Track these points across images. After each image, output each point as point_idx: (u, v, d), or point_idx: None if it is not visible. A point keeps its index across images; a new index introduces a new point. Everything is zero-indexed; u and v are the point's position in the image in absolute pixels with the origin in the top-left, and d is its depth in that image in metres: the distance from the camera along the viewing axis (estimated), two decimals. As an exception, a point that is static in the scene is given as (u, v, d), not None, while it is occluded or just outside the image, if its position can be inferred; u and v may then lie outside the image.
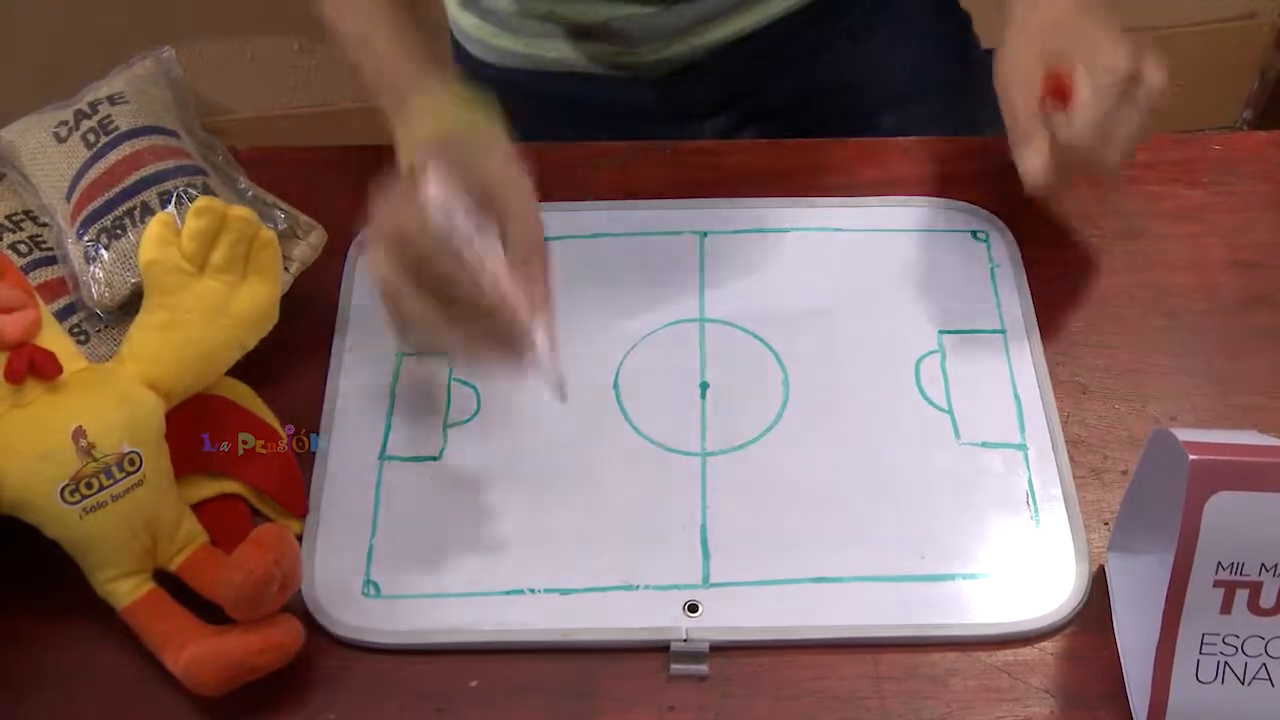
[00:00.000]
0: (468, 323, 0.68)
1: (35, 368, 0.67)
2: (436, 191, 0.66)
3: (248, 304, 0.72)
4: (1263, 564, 0.63)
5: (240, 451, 0.74)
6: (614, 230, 0.88)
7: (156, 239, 0.69)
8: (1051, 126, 0.75)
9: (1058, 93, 0.76)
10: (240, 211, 0.70)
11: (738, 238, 0.88)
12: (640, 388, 0.80)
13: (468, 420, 0.79)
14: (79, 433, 0.67)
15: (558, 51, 1.06)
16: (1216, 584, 0.64)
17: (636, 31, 1.03)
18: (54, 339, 0.69)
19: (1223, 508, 0.62)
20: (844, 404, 0.79)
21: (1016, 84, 0.79)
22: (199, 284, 0.71)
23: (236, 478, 0.75)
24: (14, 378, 0.66)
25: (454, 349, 0.73)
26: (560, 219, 0.89)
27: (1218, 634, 0.65)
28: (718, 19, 1.03)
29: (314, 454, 0.77)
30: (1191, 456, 0.61)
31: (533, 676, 0.70)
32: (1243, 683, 0.66)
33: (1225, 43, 2.03)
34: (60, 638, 0.72)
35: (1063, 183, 0.77)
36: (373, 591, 0.72)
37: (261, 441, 0.75)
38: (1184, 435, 0.63)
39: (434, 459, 0.78)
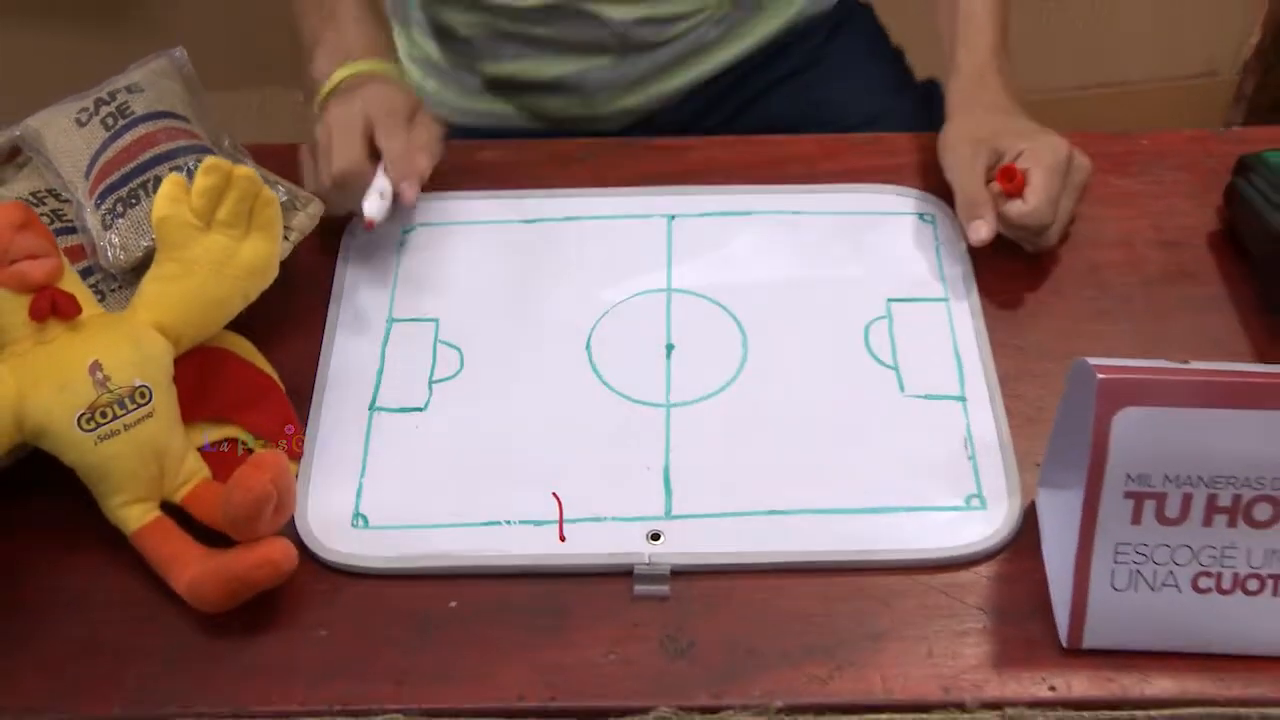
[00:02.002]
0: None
1: (57, 308, 0.74)
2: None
3: (251, 257, 0.79)
4: (1166, 475, 0.69)
5: (240, 452, 0.81)
6: (588, 214, 0.96)
7: (168, 197, 0.77)
8: (1003, 207, 0.88)
9: (1011, 183, 0.88)
10: (245, 170, 0.77)
11: (704, 220, 0.95)
12: (610, 350, 0.87)
13: (451, 378, 0.86)
14: (95, 366, 0.74)
15: (519, 108, 1.15)
16: (1127, 495, 0.70)
17: (592, 85, 1.12)
18: (73, 286, 0.76)
19: (1129, 422, 0.68)
20: (798, 362, 0.86)
21: (962, 169, 0.91)
22: (206, 238, 0.78)
23: (237, 423, 0.82)
24: (38, 315, 0.74)
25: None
26: (537, 204, 0.96)
27: (1129, 543, 0.71)
28: (669, 70, 1.13)
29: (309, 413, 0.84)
30: (1100, 375, 0.68)
31: (507, 598, 0.76)
32: (1153, 589, 0.72)
33: (1187, 99, 2.12)
34: (74, 566, 0.78)
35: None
36: (361, 524, 0.79)
37: (262, 440, 0.81)
38: (1096, 361, 0.70)
39: (419, 410, 0.84)
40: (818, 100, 1.15)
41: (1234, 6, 2.08)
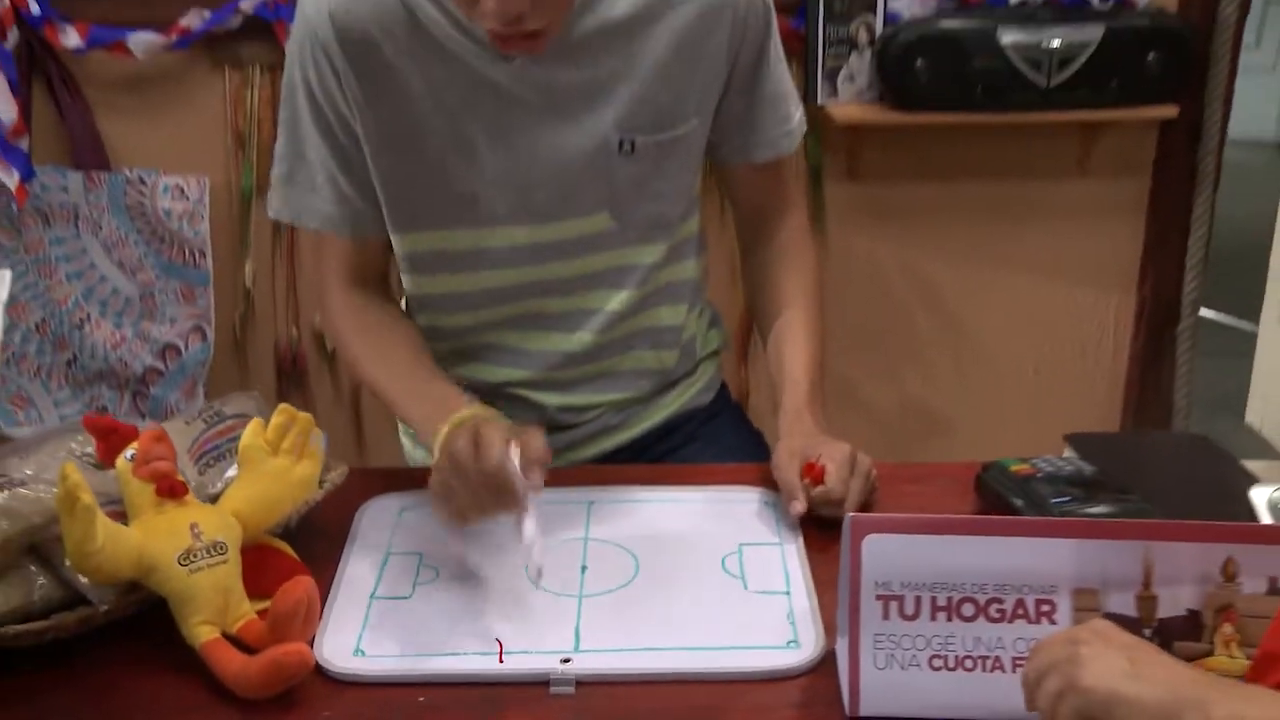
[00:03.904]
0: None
1: (173, 490, 1.12)
2: (514, 451, 1.17)
3: (300, 474, 1.18)
4: (902, 583, 1.05)
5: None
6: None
7: (252, 432, 1.17)
8: (810, 492, 1.29)
9: (812, 473, 1.30)
10: (305, 415, 1.18)
11: (613, 504, 1.35)
12: (543, 570, 1.23)
13: (430, 582, 1.22)
14: (194, 525, 1.11)
15: None
16: (877, 598, 1.05)
17: None
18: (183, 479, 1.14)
19: (874, 544, 1.05)
20: (673, 577, 1.22)
21: (784, 470, 1.34)
22: (273, 460, 1.18)
23: (277, 597, 1.17)
24: (161, 494, 1.11)
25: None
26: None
27: (883, 634, 1.05)
28: (582, 444, 1.56)
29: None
30: (850, 515, 1.06)
31: (460, 697, 1.08)
32: (903, 668, 1.05)
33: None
34: (147, 685, 1.10)
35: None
36: (360, 654, 1.12)
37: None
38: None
39: (406, 598, 1.20)
40: (697, 465, 1.57)
41: (1096, 407, 2.53)
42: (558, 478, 1.41)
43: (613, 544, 1.28)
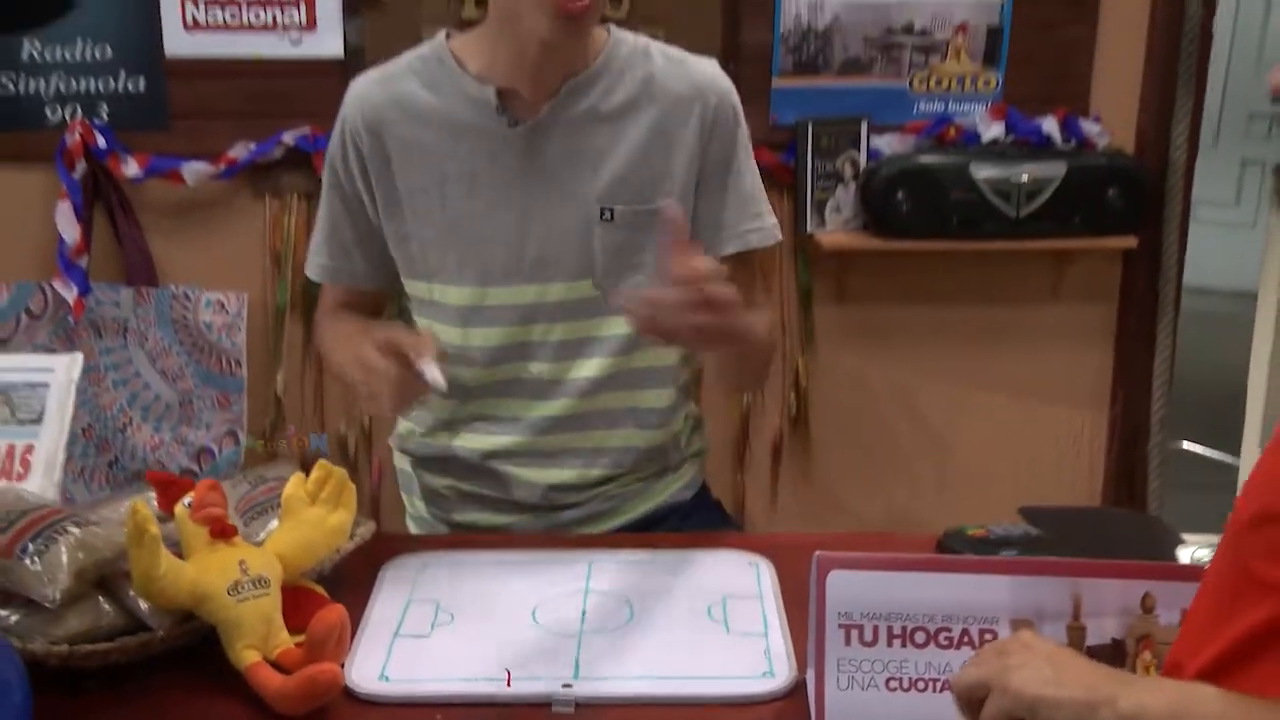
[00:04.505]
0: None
1: (224, 532, 1.28)
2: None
3: (335, 522, 1.34)
4: (862, 613, 1.20)
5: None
6: (538, 560, 1.51)
7: (294, 483, 1.34)
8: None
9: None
10: (340, 470, 1.35)
11: (612, 564, 1.50)
12: (547, 614, 1.38)
13: (446, 624, 1.37)
14: (242, 561, 1.26)
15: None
16: (840, 626, 1.20)
17: (519, 531, 1.71)
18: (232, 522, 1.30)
19: (838, 579, 1.20)
20: (663, 621, 1.37)
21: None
22: (311, 509, 1.34)
23: (311, 632, 1.31)
24: (213, 535, 1.27)
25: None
26: (507, 555, 1.51)
27: (845, 658, 1.19)
28: (572, 527, 1.71)
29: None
30: (817, 554, 1.21)
31: (472, 716, 1.22)
32: (863, 689, 1.19)
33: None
34: (197, 704, 1.25)
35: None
36: (385, 680, 1.27)
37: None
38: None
39: (425, 636, 1.35)
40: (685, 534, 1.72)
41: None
42: (564, 541, 1.58)
43: (610, 594, 1.43)
